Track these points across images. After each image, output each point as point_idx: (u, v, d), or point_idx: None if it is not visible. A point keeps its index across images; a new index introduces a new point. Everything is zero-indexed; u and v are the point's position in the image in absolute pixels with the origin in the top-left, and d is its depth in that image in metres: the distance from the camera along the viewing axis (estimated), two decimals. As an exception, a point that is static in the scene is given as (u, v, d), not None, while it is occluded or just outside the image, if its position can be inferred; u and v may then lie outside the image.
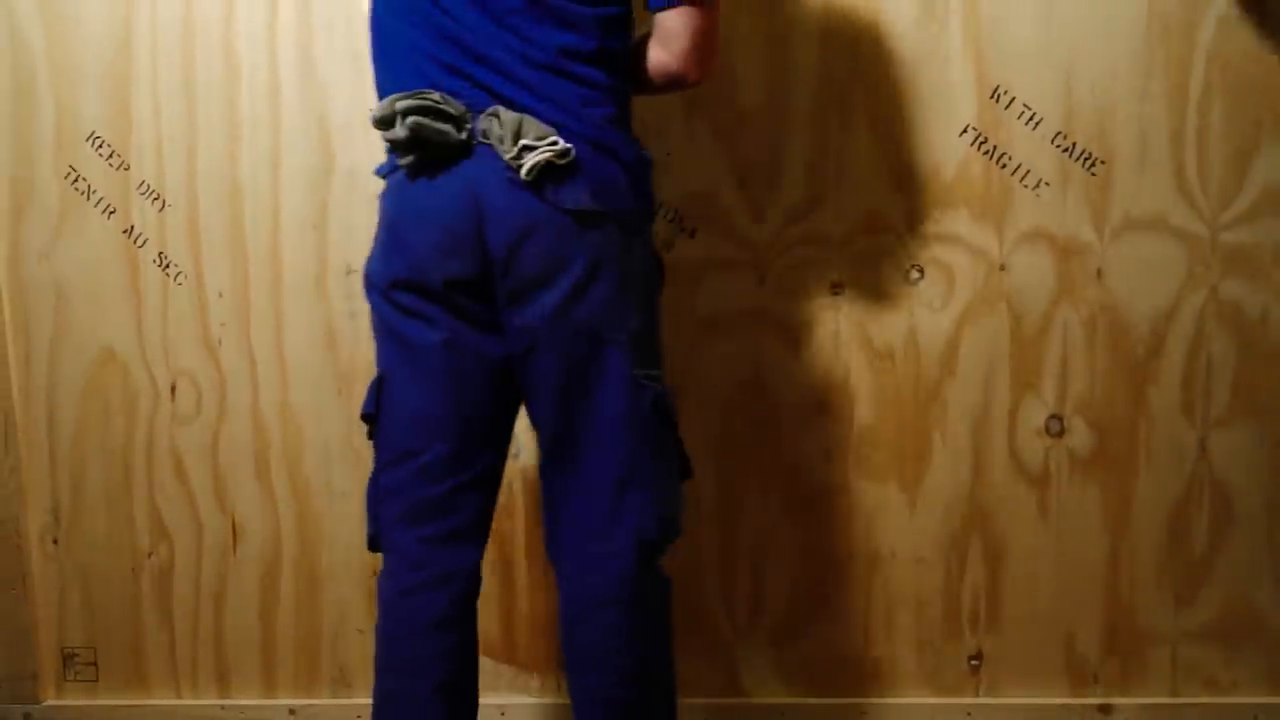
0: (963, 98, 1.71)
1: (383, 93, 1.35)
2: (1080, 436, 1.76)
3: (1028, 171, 1.72)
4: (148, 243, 1.82)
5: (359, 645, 1.89)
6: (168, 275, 1.82)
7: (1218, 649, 1.79)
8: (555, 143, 1.26)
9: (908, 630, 1.82)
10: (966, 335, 1.75)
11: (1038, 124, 1.70)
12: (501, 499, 1.82)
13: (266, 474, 1.86)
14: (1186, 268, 1.72)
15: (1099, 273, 1.73)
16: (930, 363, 1.76)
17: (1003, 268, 1.73)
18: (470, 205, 1.29)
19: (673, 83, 1.37)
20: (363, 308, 1.80)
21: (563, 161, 1.27)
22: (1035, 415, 1.76)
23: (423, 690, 1.35)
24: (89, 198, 1.81)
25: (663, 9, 1.32)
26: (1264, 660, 1.79)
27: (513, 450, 1.81)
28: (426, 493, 1.36)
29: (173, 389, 1.85)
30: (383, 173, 1.38)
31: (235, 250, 1.81)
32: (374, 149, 1.76)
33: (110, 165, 1.80)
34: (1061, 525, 1.78)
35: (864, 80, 1.71)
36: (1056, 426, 1.76)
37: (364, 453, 1.84)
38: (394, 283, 1.33)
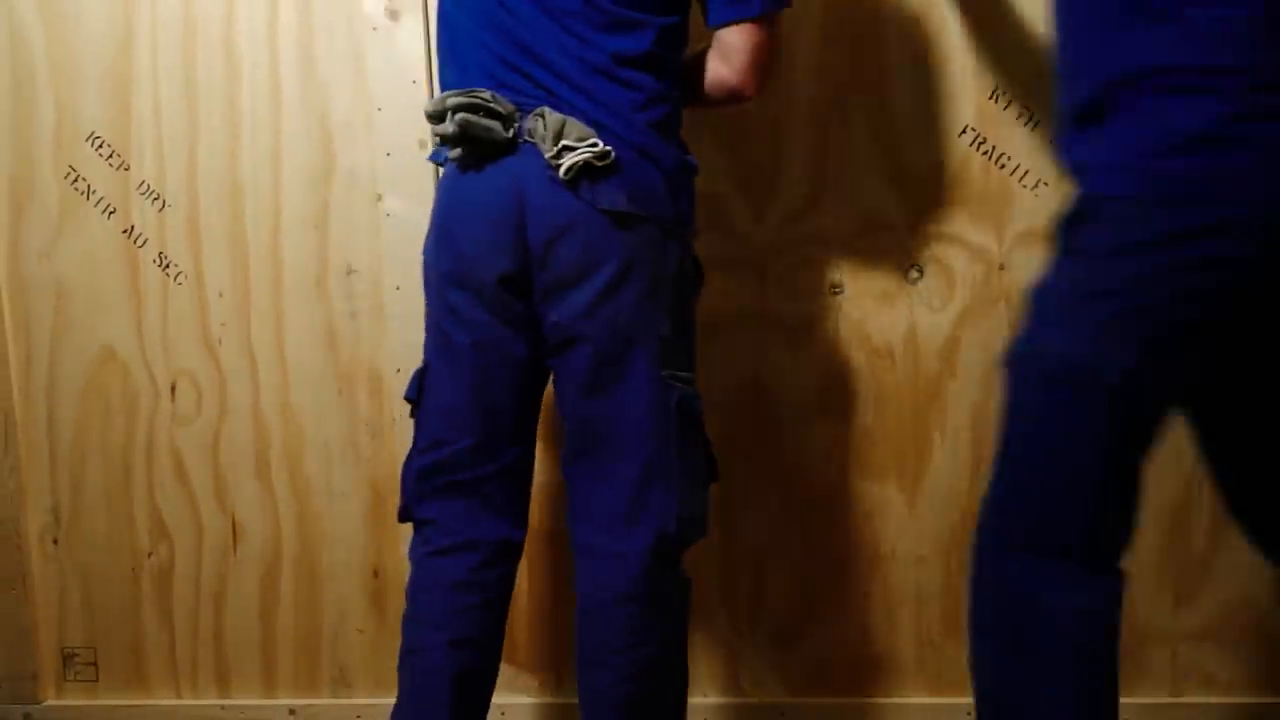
0: (961, 98, 1.71)
1: (444, 85, 1.40)
2: (1079, 436, 1.77)
3: (1027, 171, 1.72)
4: (148, 242, 1.82)
5: (359, 645, 1.89)
6: (168, 275, 1.83)
7: (1218, 648, 1.79)
8: (595, 144, 1.29)
9: (908, 629, 1.82)
10: (966, 335, 1.75)
11: (1037, 124, 1.71)
12: (501, 499, 1.83)
13: (267, 474, 1.86)
14: (1185, 267, 1.72)
15: (1098, 272, 1.73)
16: (930, 362, 1.76)
17: (1002, 267, 1.74)
18: (513, 200, 1.33)
19: (731, 97, 1.41)
20: (363, 307, 1.81)
21: (602, 163, 1.30)
22: (1034, 415, 1.76)
23: (437, 641, 1.42)
24: (89, 197, 1.81)
25: (724, 25, 1.36)
26: (1264, 660, 1.79)
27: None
28: (456, 478, 1.43)
29: (173, 389, 1.86)
30: (439, 160, 1.44)
31: (236, 250, 1.81)
32: (374, 149, 1.76)
33: (110, 165, 1.80)
34: (1061, 524, 1.78)
35: (864, 80, 1.72)
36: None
37: (364, 453, 1.84)
38: (442, 275, 1.40)
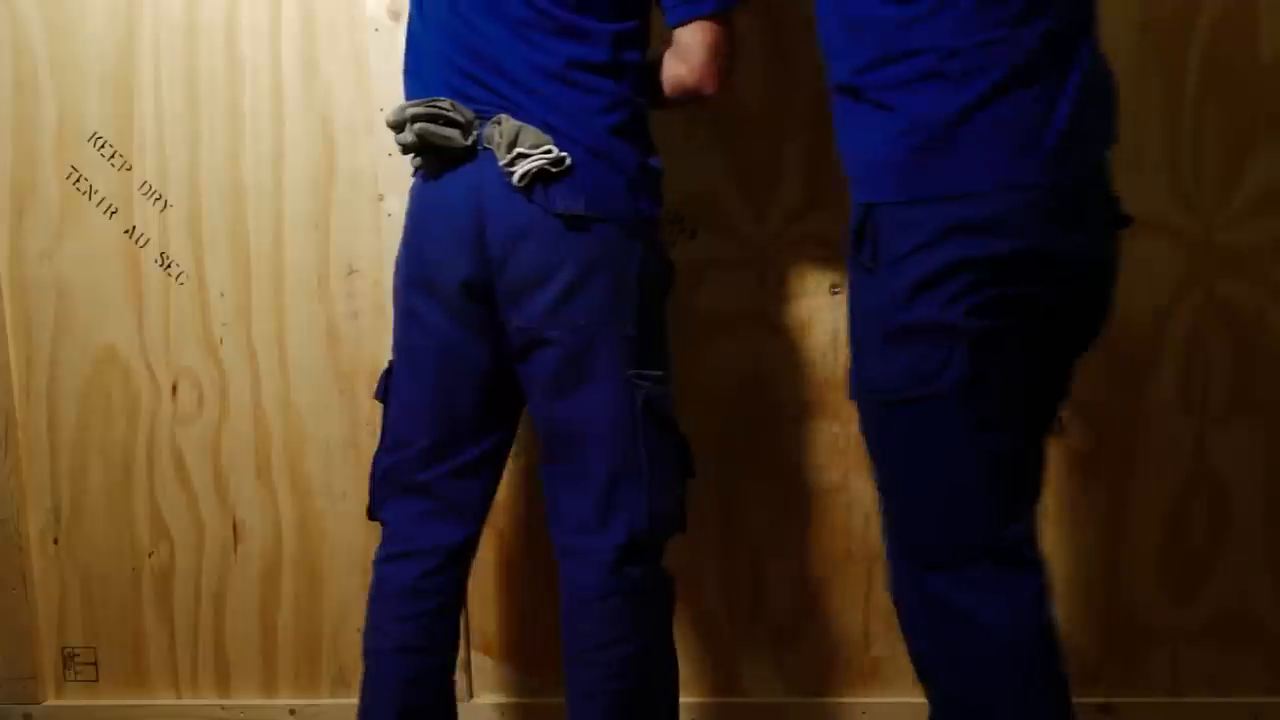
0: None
1: (409, 97, 1.42)
2: (1079, 435, 1.77)
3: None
4: (149, 242, 1.82)
5: (359, 645, 1.87)
6: (169, 275, 1.83)
7: (1218, 647, 1.79)
8: (549, 150, 1.32)
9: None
10: (965, 334, 1.76)
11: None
12: (503, 499, 1.83)
13: (267, 473, 1.86)
14: (1183, 267, 1.72)
15: (1097, 272, 1.73)
16: (929, 362, 1.76)
17: (1001, 267, 1.74)
18: (472, 207, 1.36)
19: (689, 96, 1.42)
20: (364, 307, 1.81)
21: (557, 169, 1.32)
22: (1034, 414, 1.77)
23: (385, 648, 1.47)
24: (90, 197, 1.82)
25: (679, 24, 1.37)
26: (1264, 659, 1.79)
27: (514, 450, 1.82)
28: (414, 477, 1.46)
29: (174, 388, 1.86)
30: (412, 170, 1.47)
31: (237, 250, 1.82)
32: (375, 150, 1.77)
33: (112, 165, 1.81)
34: (1060, 524, 1.79)
35: (863, 81, 1.72)
36: (1055, 425, 1.77)
37: (365, 452, 1.84)
38: (405, 279, 1.43)
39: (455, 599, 1.50)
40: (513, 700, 1.87)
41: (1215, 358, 1.74)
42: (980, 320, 1.20)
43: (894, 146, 1.22)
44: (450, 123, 1.34)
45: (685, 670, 1.79)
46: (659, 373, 1.41)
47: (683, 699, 1.82)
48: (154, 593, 1.91)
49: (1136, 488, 1.78)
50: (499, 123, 1.33)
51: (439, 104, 1.34)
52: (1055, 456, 1.77)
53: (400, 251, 1.44)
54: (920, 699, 1.82)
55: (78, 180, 1.81)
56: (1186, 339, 1.74)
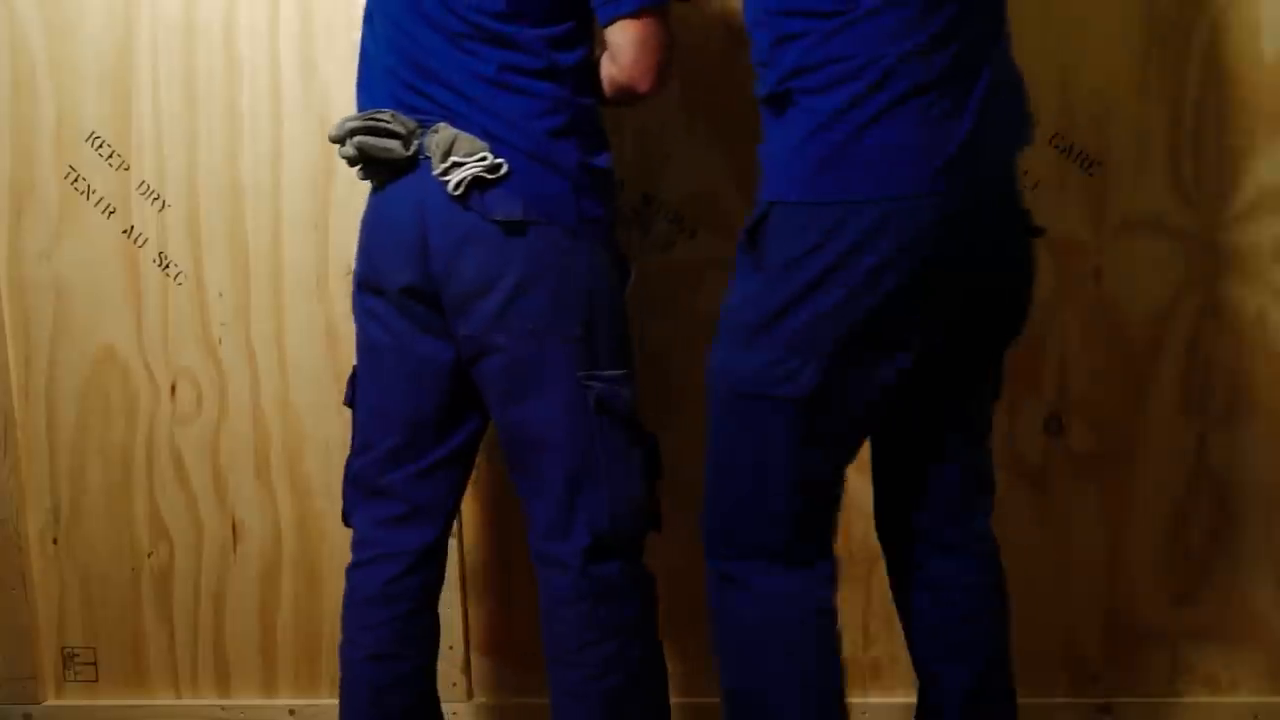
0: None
1: (359, 110, 1.44)
2: (1079, 435, 1.77)
3: (1025, 172, 1.70)
4: (148, 242, 1.82)
5: (359, 645, 1.88)
6: (168, 275, 1.83)
7: (1218, 648, 1.79)
8: (484, 158, 1.32)
9: (907, 629, 1.82)
10: (965, 335, 1.75)
11: (1035, 125, 1.70)
12: (501, 498, 1.83)
13: (267, 473, 1.86)
14: (1184, 267, 1.72)
15: (1097, 272, 1.73)
16: (929, 362, 1.76)
17: (1001, 267, 1.74)
18: (415, 217, 1.37)
19: (625, 95, 1.40)
20: (363, 307, 1.81)
21: (493, 175, 1.32)
22: (1035, 414, 1.77)
23: (357, 657, 1.48)
24: (89, 197, 1.82)
25: (607, 24, 1.36)
26: (1264, 659, 1.79)
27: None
28: (379, 481, 1.47)
29: (173, 389, 1.86)
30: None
31: (236, 250, 1.81)
32: (374, 149, 1.76)
33: (110, 165, 1.80)
34: (1061, 524, 1.79)
35: (863, 81, 1.72)
36: (1056, 425, 1.77)
37: (364, 452, 1.84)
38: (360, 284, 1.45)
39: (427, 601, 1.50)
40: (513, 700, 1.87)
41: (1215, 358, 1.74)
42: (849, 335, 1.23)
43: (801, 148, 1.24)
44: (390, 134, 1.35)
45: (685, 670, 1.79)
46: (616, 372, 1.41)
47: (682, 699, 1.82)
48: (154, 593, 1.91)
49: (1136, 488, 1.77)
50: (436, 131, 1.34)
51: (378, 116, 1.36)
52: (1055, 456, 1.77)
53: (356, 257, 1.46)
54: (920, 699, 1.82)
55: (76, 180, 1.81)
56: (1187, 339, 1.74)
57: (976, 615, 1.43)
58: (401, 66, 1.38)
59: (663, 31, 1.36)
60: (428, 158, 1.35)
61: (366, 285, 1.44)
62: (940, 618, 1.43)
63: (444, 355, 1.41)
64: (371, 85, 1.43)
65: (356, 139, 1.36)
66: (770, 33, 1.26)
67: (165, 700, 1.92)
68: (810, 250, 1.23)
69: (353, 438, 1.49)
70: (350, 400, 1.50)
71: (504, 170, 1.33)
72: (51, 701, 1.94)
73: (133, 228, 1.82)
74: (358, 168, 1.41)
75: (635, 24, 1.34)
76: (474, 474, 1.81)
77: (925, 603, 1.45)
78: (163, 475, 1.88)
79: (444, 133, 1.34)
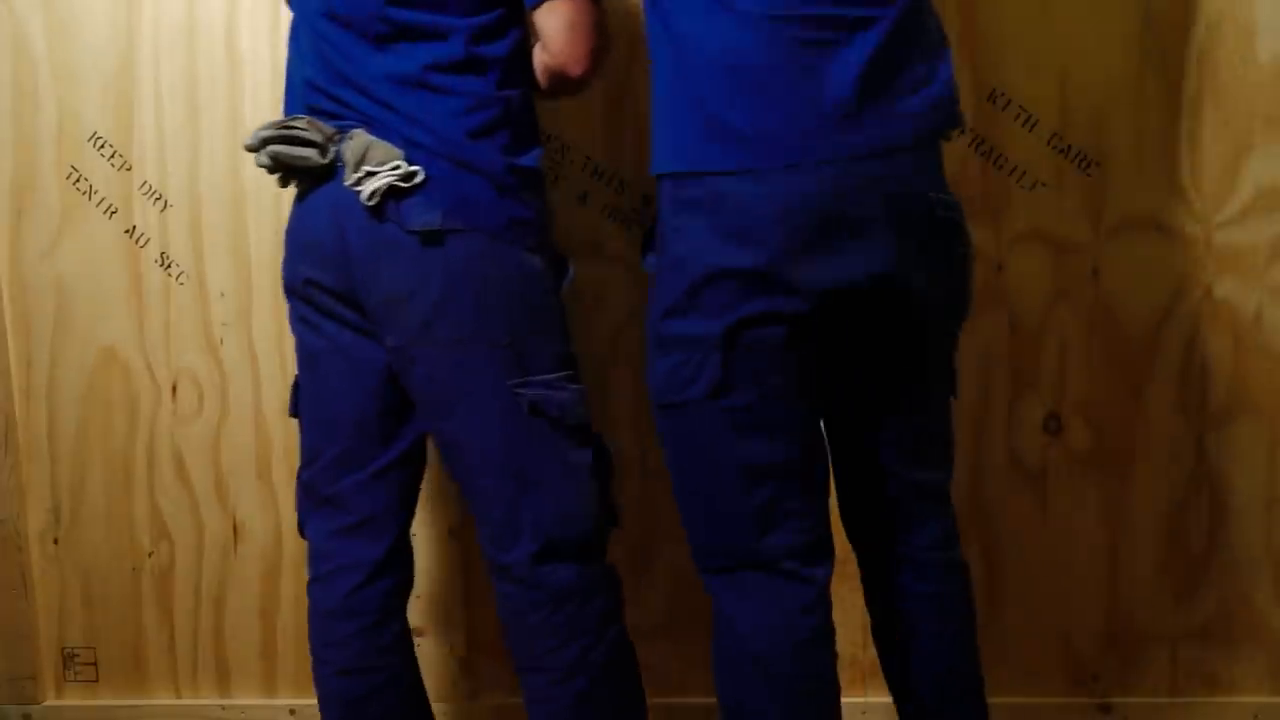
0: (960, 99, 1.72)
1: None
2: (1078, 435, 1.77)
3: (1024, 172, 1.73)
4: (149, 243, 1.83)
5: (359, 645, 1.88)
6: (169, 275, 1.83)
7: (1217, 647, 1.79)
8: (397, 167, 1.28)
9: (907, 629, 1.82)
10: (965, 334, 1.73)
11: (1034, 126, 1.72)
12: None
13: (267, 473, 1.86)
14: (1182, 267, 1.73)
15: (1095, 272, 1.74)
16: (928, 362, 1.77)
17: (1000, 267, 1.74)
18: (335, 226, 1.33)
19: (560, 82, 1.36)
20: (364, 307, 1.81)
21: (408, 184, 1.28)
22: (1033, 413, 1.77)
23: (325, 673, 1.45)
24: (91, 198, 1.82)
25: (534, 8, 1.32)
26: (1264, 659, 1.79)
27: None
28: (328, 490, 1.43)
29: (174, 389, 1.86)
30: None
31: (237, 250, 1.82)
32: (375, 150, 1.77)
33: (112, 165, 1.81)
34: (1060, 524, 1.79)
35: (862, 81, 1.73)
36: (1054, 425, 1.77)
37: (364, 452, 1.84)
38: (290, 291, 1.42)
39: (394, 609, 1.46)
40: (513, 700, 1.87)
41: (1214, 358, 1.74)
42: (736, 328, 1.21)
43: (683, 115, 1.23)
44: (305, 142, 1.31)
45: (684, 670, 1.79)
46: (551, 376, 1.36)
47: (681, 699, 1.83)
48: (154, 593, 1.91)
49: (1136, 488, 1.78)
50: (351, 139, 1.31)
51: (293, 124, 1.32)
52: (1053, 455, 1.78)
53: (283, 265, 1.43)
54: (920, 699, 1.82)
55: (78, 180, 1.82)
56: (1185, 339, 1.74)
57: (924, 625, 1.38)
58: (321, 76, 1.35)
59: (594, 11, 1.32)
60: (343, 166, 1.31)
61: (296, 293, 1.41)
62: (892, 628, 1.40)
63: (380, 357, 1.38)
64: (292, 101, 1.40)
65: (270, 148, 1.33)
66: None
67: (165, 700, 1.92)
68: (690, 252, 1.22)
69: (301, 448, 1.46)
70: (295, 410, 1.46)
71: (420, 178, 1.29)
72: (51, 701, 1.94)
73: (134, 228, 1.83)
74: (277, 176, 1.37)
75: (564, 6, 1.30)
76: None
77: (878, 612, 1.42)
78: (163, 475, 1.88)
79: (358, 140, 1.30)
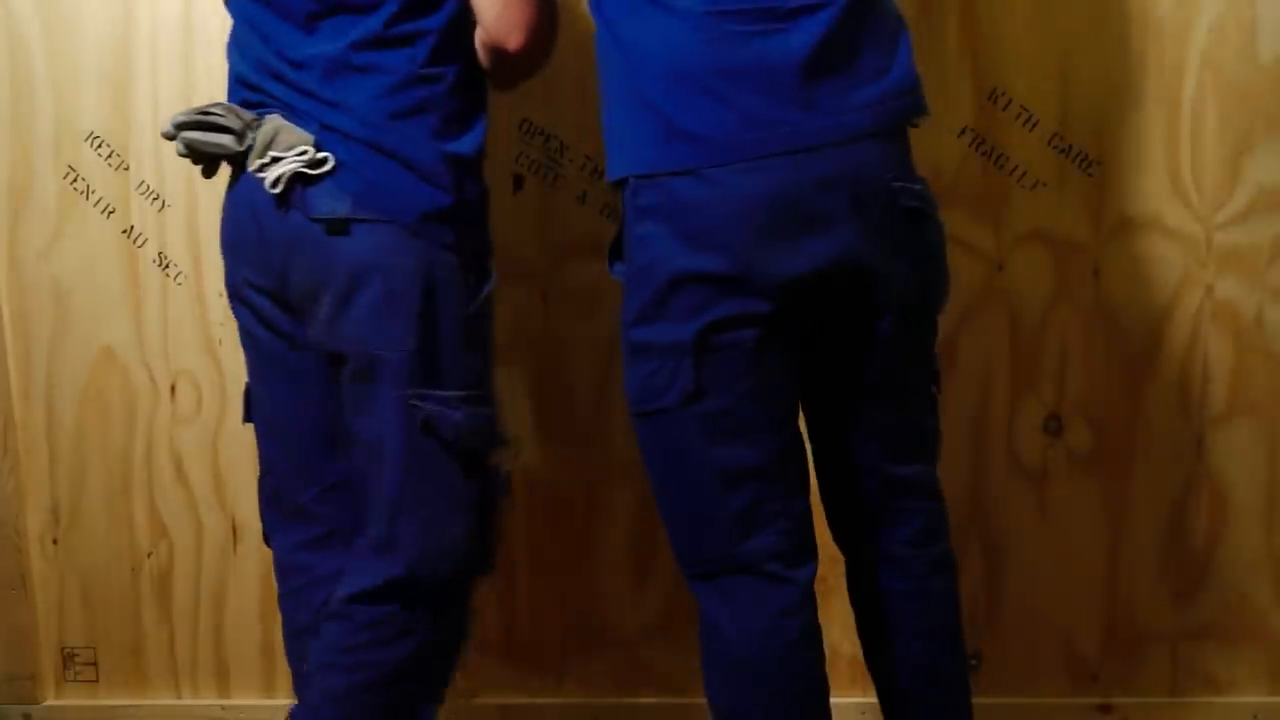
0: (960, 100, 1.72)
1: None
2: (1079, 435, 1.77)
3: (1025, 172, 1.72)
4: (147, 242, 1.82)
5: (358, 645, 1.88)
6: (167, 275, 1.83)
7: (1217, 647, 1.79)
8: (304, 152, 1.22)
9: (907, 629, 1.82)
10: (965, 334, 1.76)
11: (1034, 125, 1.71)
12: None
13: (266, 474, 1.86)
14: (1182, 267, 1.72)
15: (1096, 272, 1.73)
16: (928, 362, 1.76)
17: (1001, 267, 1.74)
18: (251, 217, 1.28)
19: (498, 60, 1.27)
20: (363, 308, 1.81)
21: (316, 170, 1.22)
22: (1034, 414, 1.77)
23: (302, 685, 1.38)
24: (88, 197, 1.82)
25: None
26: (1263, 659, 1.79)
27: (513, 449, 1.82)
28: (288, 501, 1.38)
29: (172, 389, 1.86)
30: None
31: (235, 250, 1.81)
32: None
33: (109, 165, 1.81)
34: (1060, 524, 1.79)
35: (862, 81, 1.72)
36: (1055, 425, 1.77)
37: (364, 452, 1.84)
38: (230, 291, 1.37)
39: None
40: (513, 700, 1.87)
41: (1214, 357, 1.74)
42: (707, 333, 1.19)
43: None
44: (220, 128, 1.25)
45: (685, 670, 1.79)
46: (456, 393, 1.26)
47: (682, 699, 1.83)
48: (154, 593, 1.91)
49: (1136, 488, 1.77)
50: (264, 124, 1.25)
51: (210, 110, 1.27)
52: (1054, 455, 1.77)
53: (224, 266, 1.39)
54: (919, 699, 1.82)
55: (75, 180, 1.81)
56: (1185, 339, 1.74)
57: (906, 623, 1.37)
58: (248, 62, 1.30)
59: None
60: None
61: (237, 296, 1.35)
62: (874, 626, 1.39)
63: (318, 367, 1.31)
64: (229, 84, 1.35)
65: (183, 135, 1.26)
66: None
67: (165, 700, 1.92)
68: (654, 261, 1.21)
69: (259, 457, 1.41)
70: (248, 416, 1.40)
71: (329, 164, 1.22)
72: (51, 701, 1.94)
73: (132, 228, 1.82)
74: (200, 167, 1.31)
75: None
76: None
77: (861, 609, 1.41)
78: (163, 475, 1.88)
79: (268, 125, 1.24)
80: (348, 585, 1.30)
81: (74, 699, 1.94)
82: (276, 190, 1.23)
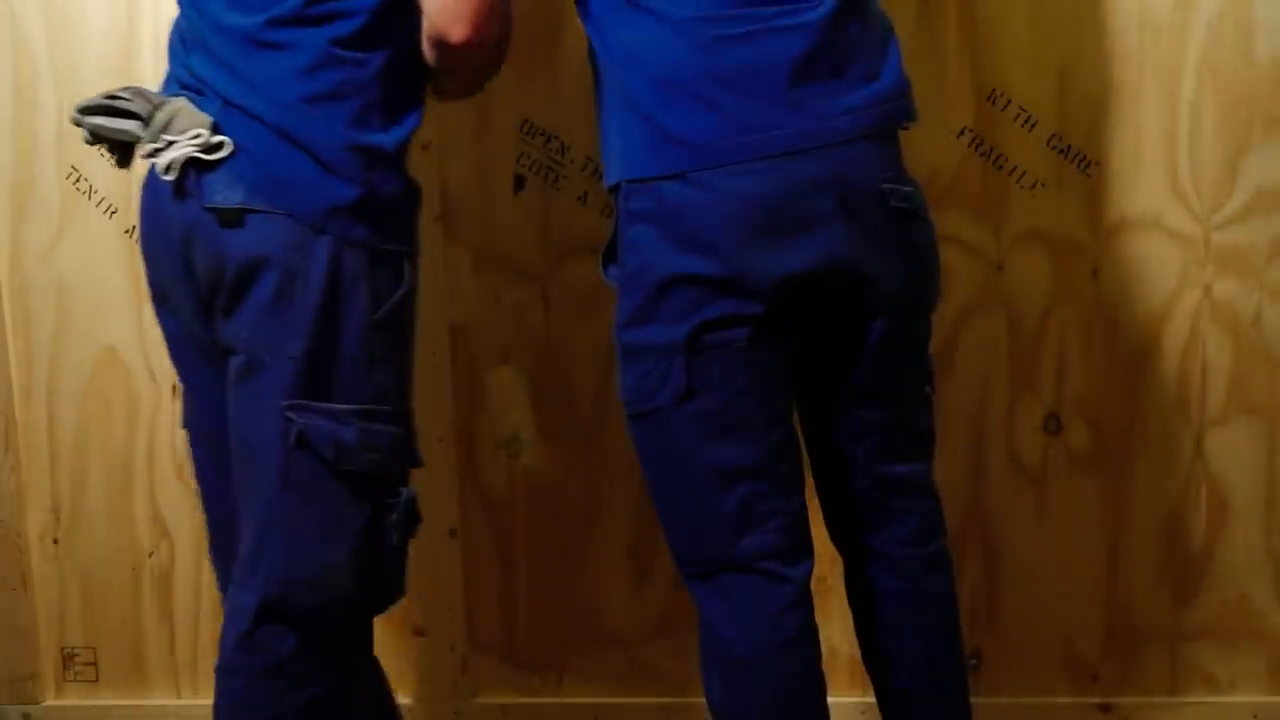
0: (959, 100, 1.72)
1: None
2: (1078, 435, 1.77)
3: (1024, 173, 1.73)
4: (150, 243, 1.83)
5: (358, 645, 1.88)
6: (170, 275, 1.83)
7: (1217, 647, 1.79)
8: (199, 135, 1.14)
9: (907, 629, 1.82)
10: (964, 334, 1.76)
11: (1033, 126, 1.72)
12: (501, 498, 1.83)
13: (267, 473, 1.86)
14: (1181, 267, 1.73)
15: (1095, 272, 1.74)
16: (928, 362, 1.77)
17: (1000, 267, 1.75)
18: (157, 206, 1.22)
19: (440, 53, 1.20)
20: (364, 307, 1.81)
21: (212, 155, 1.14)
22: (1033, 414, 1.77)
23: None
24: (91, 198, 1.82)
25: None
26: (1263, 659, 1.79)
27: (513, 449, 1.82)
28: (215, 513, 1.33)
29: (174, 389, 1.86)
30: None
31: (237, 250, 1.82)
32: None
33: (112, 165, 1.80)
34: (1060, 524, 1.79)
35: (862, 82, 1.73)
36: (1054, 425, 1.77)
37: (364, 452, 1.84)
38: (150, 288, 1.30)
39: None
40: (513, 700, 1.87)
41: (1213, 357, 1.74)
42: (698, 333, 1.20)
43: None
44: (126, 113, 1.18)
45: (685, 670, 1.79)
46: (344, 407, 1.16)
47: (682, 699, 1.83)
48: (154, 593, 1.91)
49: (1135, 488, 1.78)
50: (166, 106, 1.18)
51: (117, 94, 1.20)
52: (1053, 455, 1.78)
53: None
54: (919, 699, 1.82)
55: (78, 180, 1.82)
56: (1184, 338, 1.74)
57: (904, 623, 1.37)
58: (184, 48, 1.23)
59: None
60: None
61: (155, 294, 1.29)
62: (871, 626, 1.39)
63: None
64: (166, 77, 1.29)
65: (88, 120, 1.20)
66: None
67: (165, 700, 1.92)
68: (645, 265, 1.22)
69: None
70: (184, 423, 1.34)
71: (226, 149, 1.14)
72: (51, 701, 1.94)
73: (134, 228, 1.82)
74: (115, 157, 1.25)
75: None
76: (473, 474, 1.83)
77: (858, 609, 1.41)
78: (163, 475, 1.88)
79: (168, 107, 1.17)
80: (227, 626, 1.22)
81: (74, 699, 1.94)
82: (169, 176, 1.15)
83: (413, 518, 1.25)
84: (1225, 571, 1.78)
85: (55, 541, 1.91)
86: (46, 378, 1.87)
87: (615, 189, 1.26)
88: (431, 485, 1.80)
